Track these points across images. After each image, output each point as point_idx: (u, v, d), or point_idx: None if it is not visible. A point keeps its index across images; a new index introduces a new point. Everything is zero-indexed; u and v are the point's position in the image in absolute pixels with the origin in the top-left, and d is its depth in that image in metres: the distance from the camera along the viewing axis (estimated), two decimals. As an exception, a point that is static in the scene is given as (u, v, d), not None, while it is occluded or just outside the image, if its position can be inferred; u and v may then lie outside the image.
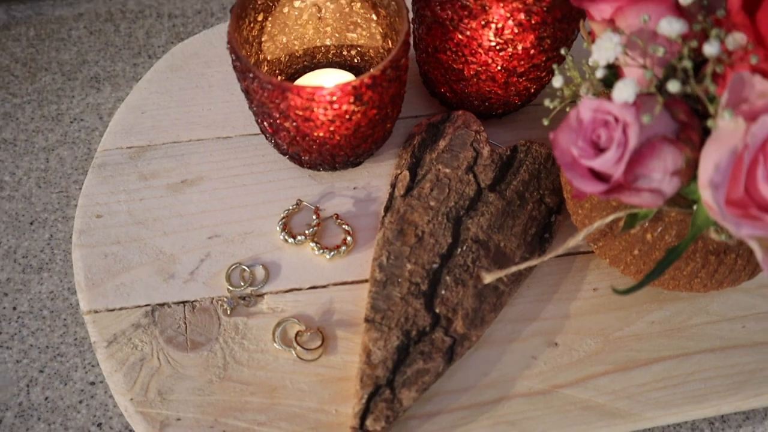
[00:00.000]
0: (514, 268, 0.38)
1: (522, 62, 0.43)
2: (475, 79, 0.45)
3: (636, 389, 0.42)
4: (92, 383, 0.46)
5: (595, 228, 0.38)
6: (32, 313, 0.47)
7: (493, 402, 0.41)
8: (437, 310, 0.41)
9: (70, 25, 0.60)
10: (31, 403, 0.44)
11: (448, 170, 0.46)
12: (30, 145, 0.54)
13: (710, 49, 0.30)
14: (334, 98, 0.38)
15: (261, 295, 0.44)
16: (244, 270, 0.45)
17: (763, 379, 0.43)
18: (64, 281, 0.50)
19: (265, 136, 0.45)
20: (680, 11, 0.34)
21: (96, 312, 0.43)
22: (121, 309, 0.43)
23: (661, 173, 0.32)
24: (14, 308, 0.47)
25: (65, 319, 0.48)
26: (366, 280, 0.45)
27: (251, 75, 0.38)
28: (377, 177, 0.49)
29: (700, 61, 0.33)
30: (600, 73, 0.33)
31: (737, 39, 0.31)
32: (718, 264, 0.39)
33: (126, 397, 0.40)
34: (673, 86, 0.30)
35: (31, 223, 0.51)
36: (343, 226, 0.46)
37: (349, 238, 0.45)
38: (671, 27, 0.30)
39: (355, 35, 0.48)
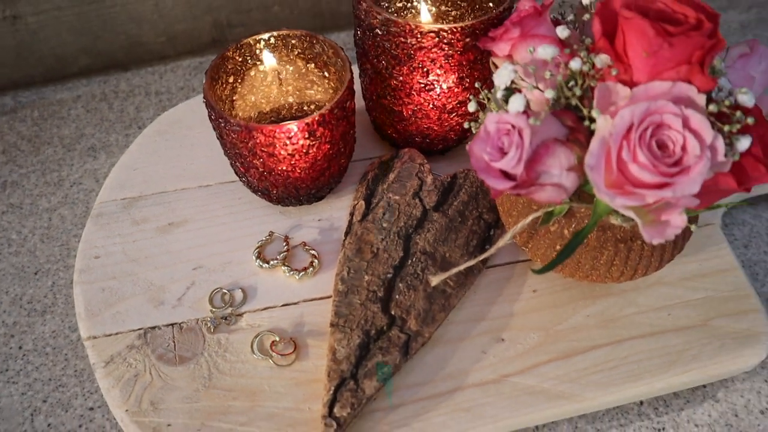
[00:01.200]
0: (454, 270, 0.44)
1: (449, 99, 0.51)
2: (413, 118, 0.53)
3: (577, 374, 0.47)
4: (91, 408, 0.51)
5: (519, 228, 0.44)
6: (36, 351, 0.53)
7: (449, 392, 0.46)
8: (393, 312, 0.47)
9: (69, 105, 0.69)
10: (35, 429, 0.49)
11: (397, 197, 0.53)
12: (35, 207, 0.61)
13: (574, 65, 0.38)
14: (291, 134, 0.45)
15: (240, 315, 0.50)
16: (225, 293, 0.50)
17: (690, 357, 0.48)
18: (66, 321, 0.56)
19: (239, 177, 0.52)
20: (561, 42, 0.42)
21: (95, 338, 0.48)
22: (117, 333, 0.49)
23: (558, 170, 0.39)
24: (20, 347, 0.53)
25: (66, 354, 0.54)
26: (331, 296, 0.51)
27: (223, 120, 0.46)
28: (339, 210, 0.56)
29: (582, 80, 0.41)
30: (500, 94, 0.42)
31: (603, 59, 0.39)
32: (628, 251, 0.45)
33: (122, 409, 0.45)
34: (549, 93, 0.37)
35: (36, 273, 0.58)
36: (310, 252, 0.52)
37: (315, 261, 0.52)
38: (545, 51, 0.39)
39: (312, 92, 0.56)
